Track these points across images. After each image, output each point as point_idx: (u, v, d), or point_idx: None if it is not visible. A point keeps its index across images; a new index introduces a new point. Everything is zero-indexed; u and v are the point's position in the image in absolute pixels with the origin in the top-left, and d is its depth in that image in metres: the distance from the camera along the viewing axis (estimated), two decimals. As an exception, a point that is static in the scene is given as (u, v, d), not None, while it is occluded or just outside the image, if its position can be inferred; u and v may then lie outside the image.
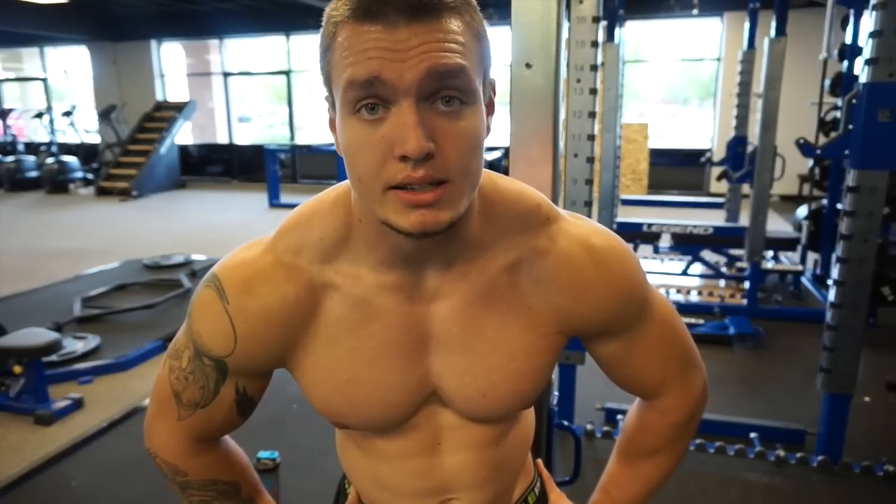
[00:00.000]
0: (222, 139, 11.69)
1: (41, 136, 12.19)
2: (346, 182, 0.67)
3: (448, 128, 0.54)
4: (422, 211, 0.55)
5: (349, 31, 0.54)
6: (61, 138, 11.73)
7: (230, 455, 0.82)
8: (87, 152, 11.28)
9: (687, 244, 4.36)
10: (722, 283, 4.66)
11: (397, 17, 0.52)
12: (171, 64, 11.73)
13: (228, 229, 7.15)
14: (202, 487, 0.79)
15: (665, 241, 4.49)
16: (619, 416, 2.61)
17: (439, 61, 0.53)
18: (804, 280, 4.51)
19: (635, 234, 4.41)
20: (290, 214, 0.70)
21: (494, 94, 0.62)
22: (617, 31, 3.91)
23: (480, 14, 0.58)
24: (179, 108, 10.69)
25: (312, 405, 0.72)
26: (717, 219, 5.57)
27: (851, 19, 3.80)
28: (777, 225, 6.29)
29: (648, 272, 4.71)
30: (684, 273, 4.70)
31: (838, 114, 4.02)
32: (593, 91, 1.83)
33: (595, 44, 1.81)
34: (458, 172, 0.56)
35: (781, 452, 2.35)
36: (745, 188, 4.59)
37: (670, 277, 4.77)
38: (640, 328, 0.74)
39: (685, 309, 4.02)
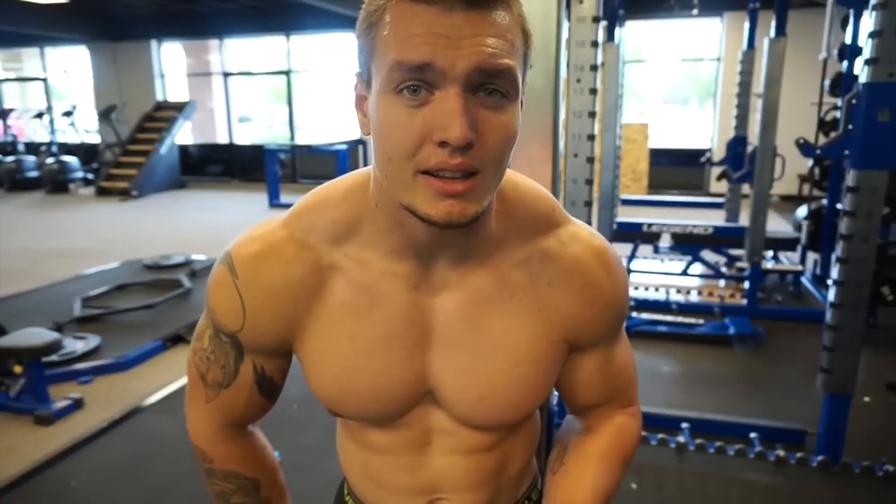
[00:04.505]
0: (222, 139, 11.69)
1: (41, 136, 12.19)
2: (363, 171, 0.67)
3: (490, 119, 0.55)
4: (451, 201, 0.55)
5: (401, 10, 0.54)
6: (61, 138, 11.72)
7: (257, 451, 0.83)
8: (87, 152, 11.28)
9: (687, 244, 4.36)
10: (722, 283, 4.66)
11: (454, 2, 0.52)
12: (171, 64, 11.73)
13: (228, 229, 7.15)
14: (224, 478, 0.80)
15: (665, 241, 4.49)
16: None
17: (490, 59, 0.53)
18: (804, 280, 4.51)
19: (635, 234, 4.41)
20: (303, 198, 0.70)
21: (524, 94, 0.62)
22: (617, 31, 3.91)
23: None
24: (179, 108, 10.69)
25: (310, 388, 0.72)
26: (717, 219, 5.57)
27: (851, 19, 3.80)
28: (777, 225, 6.29)
29: (648, 272, 4.72)
30: (684, 273, 4.70)
31: (838, 114, 4.03)
32: (593, 91, 1.83)
33: (595, 44, 1.81)
34: (491, 165, 0.56)
35: (781, 452, 2.34)
36: (745, 188, 4.59)
37: (670, 277, 4.77)
38: (620, 336, 0.76)
39: (685, 309, 4.02)
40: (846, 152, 2.24)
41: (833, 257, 2.19)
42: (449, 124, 0.52)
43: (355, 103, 0.62)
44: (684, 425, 2.52)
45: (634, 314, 3.90)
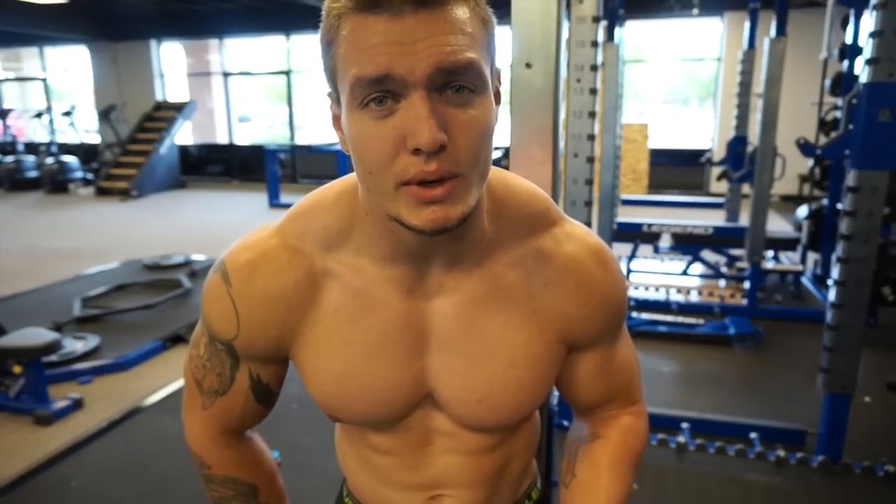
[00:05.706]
0: (222, 139, 11.69)
1: (41, 136, 12.19)
2: (352, 176, 0.67)
3: (459, 116, 0.54)
4: (433, 207, 0.54)
5: (353, 24, 0.53)
6: (61, 138, 11.73)
7: (255, 456, 0.83)
8: (86, 152, 11.29)
9: (687, 244, 4.35)
10: (722, 283, 4.66)
11: (402, 6, 0.51)
12: (171, 64, 11.72)
13: (228, 229, 7.15)
14: (222, 483, 0.80)
15: (665, 241, 4.49)
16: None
17: (448, 58, 0.52)
18: (804, 280, 4.51)
19: (635, 234, 4.41)
20: (296, 203, 0.70)
21: (500, 83, 0.61)
22: (617, 31, 3.91)
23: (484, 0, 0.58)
24: (179, 108, 10.69)
25: (310, 395, 0.72)
26: (717, 219, 5.57)
27: (851, 19, 3.80)
28: (777, 225, 6.29)
29: (648, 272, 4.71)
30: (684, 273, 4.70)
31: (838, 114, 4.02)
32: (593, 91, 1.83)
33: (595, 44, 1.81)
34: (469, 164, 0.55)
35: (781, 452, 2.34)
36: (746, 188, 4.59)
37: (670, 277, 4.77)
38: (621, 333, 0.76)
39: (685, 309, 4.02)
40: (846, 152, 2.24)
41: (833, 257, 2.19)
42: (417, 129, 0.51)
43: (332, 123, 0.62)
44: (684, 425, 2.52)
45: (634, 314, 3.90)
